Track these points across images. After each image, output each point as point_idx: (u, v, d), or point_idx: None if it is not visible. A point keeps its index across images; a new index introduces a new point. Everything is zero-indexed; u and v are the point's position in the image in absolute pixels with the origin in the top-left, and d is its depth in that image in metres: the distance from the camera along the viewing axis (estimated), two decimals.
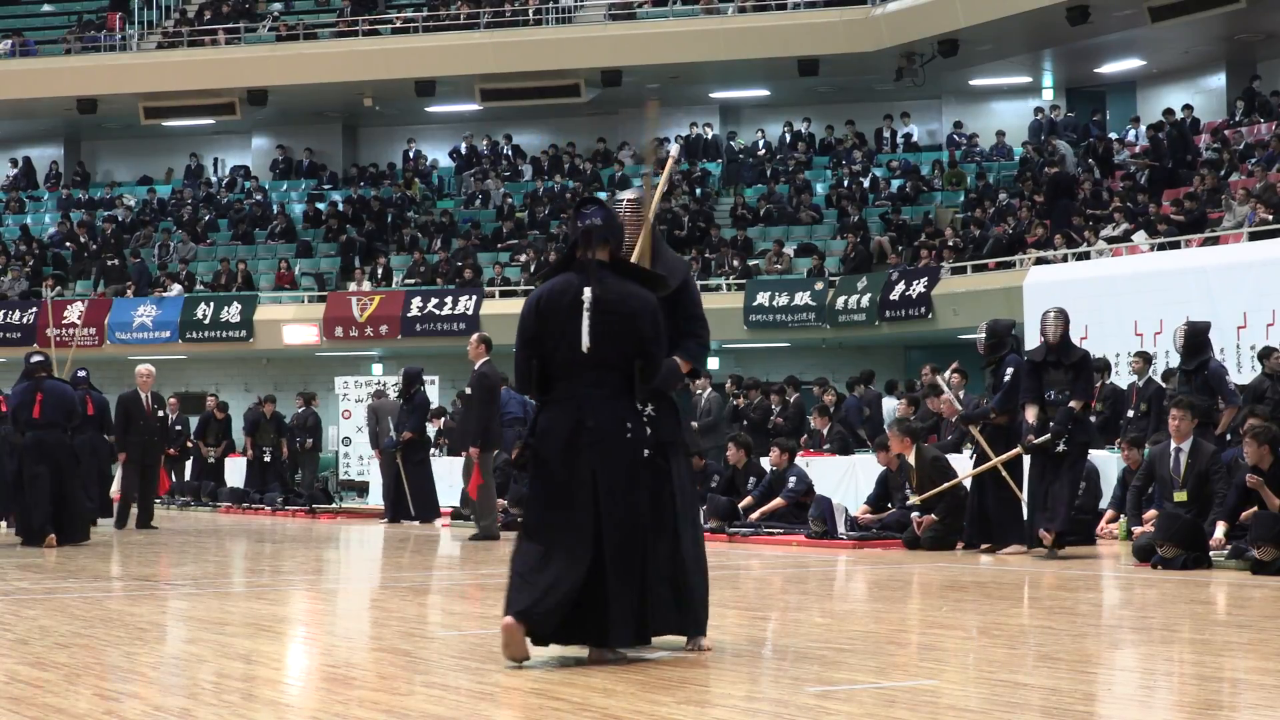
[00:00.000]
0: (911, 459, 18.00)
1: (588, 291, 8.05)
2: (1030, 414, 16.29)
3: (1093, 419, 17.70)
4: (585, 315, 8.02)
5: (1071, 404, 16.06)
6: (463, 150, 40.06)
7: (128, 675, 8.09)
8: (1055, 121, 36.76)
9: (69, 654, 8.66)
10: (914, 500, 17.79)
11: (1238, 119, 33.58)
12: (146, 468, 22.48)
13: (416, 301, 33.99)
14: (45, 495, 17.98)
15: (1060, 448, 16.11)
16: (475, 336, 20.39)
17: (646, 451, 8.21)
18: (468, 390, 20.29)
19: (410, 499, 23.49)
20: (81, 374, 20.53)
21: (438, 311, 33.75)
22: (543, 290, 8.35)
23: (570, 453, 8.04)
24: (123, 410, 22.16)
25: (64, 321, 33.99)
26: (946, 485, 17.48)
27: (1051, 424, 16.03)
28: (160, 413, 23.16)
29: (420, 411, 24.65)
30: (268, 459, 27.45)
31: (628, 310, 8.10)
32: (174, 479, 26.62)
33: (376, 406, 25.86)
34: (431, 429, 25.59)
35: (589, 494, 7.93)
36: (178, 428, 26.50)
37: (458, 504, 22.86)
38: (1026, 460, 16.78)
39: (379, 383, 26.89)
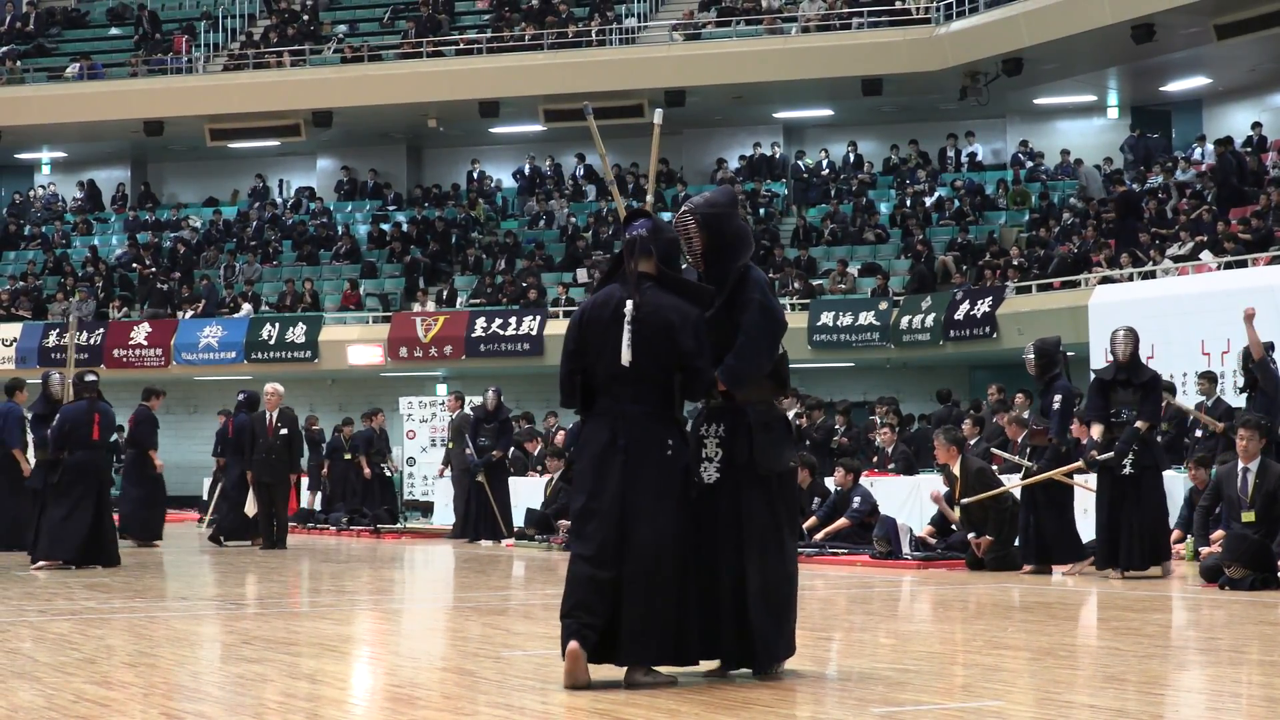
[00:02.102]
0: (957, 470, 18.00)
1: (629, 304, 7.99)
2: (1096, 431, 16.22)
3: (1159, 439, 17.39)
4: (626, 328, 7.96)
5: (1138, 424, 15.91)
6: (526, 171, 40.15)
7: (194, 695, 8.14)
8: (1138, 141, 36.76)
9: (136, 673, 8.75)
10: (956, 512, 17.85)
11: None
12: (271, 486, 22.51)
13: (481, 322, 34.13)
14: (85, 523, 17.85)
15: (1126, 469, 16.00)
16: None
17: (709, 472, 8.13)
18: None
19: (498, 517, 23.79)
20: (91, 378, 19.59)
21: (502, 332, 33.86)
22: (587, 303, 8.38)
23: (602, 468, 8.02)
24: (248, 431, 22.58)
25: (129, 342, 34.70)
26: (988, 495, 17.31)
27: (1117, 443, 15.91)
28: (284, 431, 23.01)
29: (509, 432, 25.13)
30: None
31: (667, 323, 8.01)
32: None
33: (459, 423, 25.82)
34: None
35: (616, 511, 7.89)
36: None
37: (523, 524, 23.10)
38: (1092, 479, 16.71)
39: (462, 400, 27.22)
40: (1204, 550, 16.33)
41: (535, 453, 26.24)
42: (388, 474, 28.17)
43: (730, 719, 7.54)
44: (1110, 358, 17.19)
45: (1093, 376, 17.56)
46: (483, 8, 39.73)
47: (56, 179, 42.94)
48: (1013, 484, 17.59)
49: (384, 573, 18.39)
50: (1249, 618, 11.97)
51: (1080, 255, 31.19)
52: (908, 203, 36.30)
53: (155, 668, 9.08)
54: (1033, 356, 17.58)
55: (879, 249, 35.18)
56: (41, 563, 17.67)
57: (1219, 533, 15.94)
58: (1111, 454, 15.96)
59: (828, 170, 38.46)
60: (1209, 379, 20.25)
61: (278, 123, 37.72)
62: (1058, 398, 16.98)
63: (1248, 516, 14.81)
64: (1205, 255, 28.07)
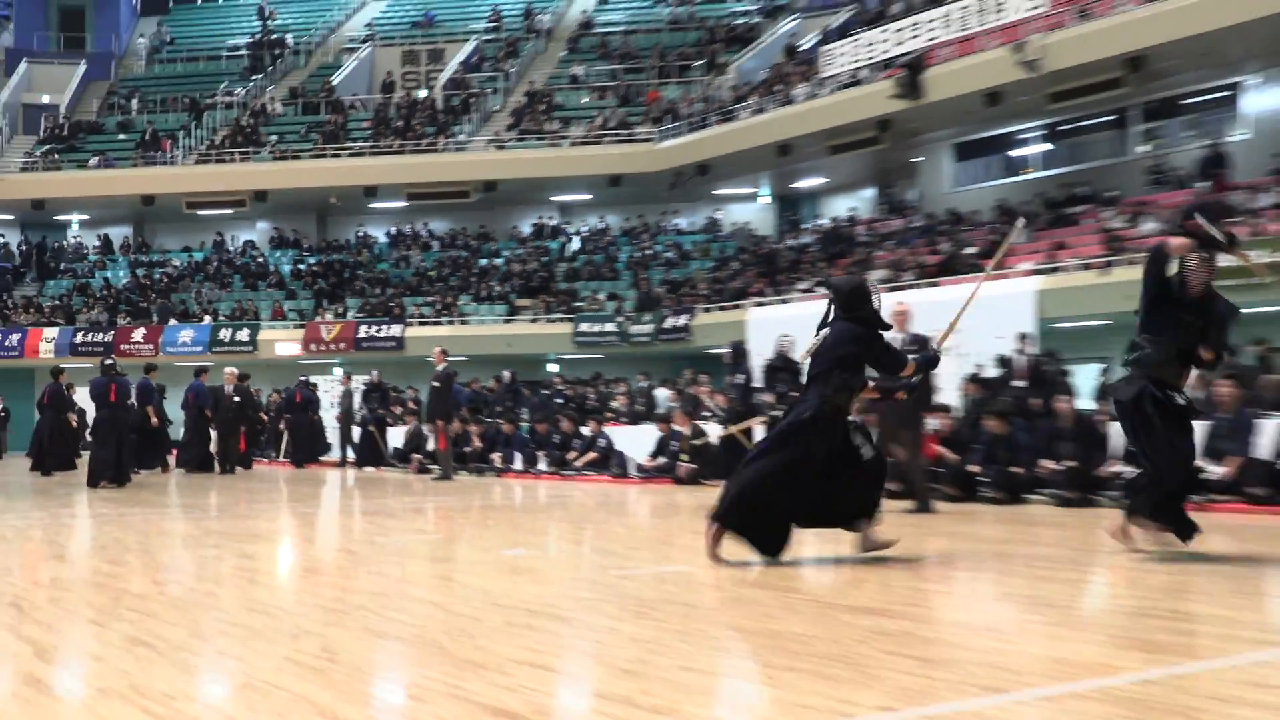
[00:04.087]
0: (686, 430, 18.33)
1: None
2: (769, 398, 16.58)
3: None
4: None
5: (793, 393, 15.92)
6: (394, 232, 40.79)
7: (173, 569, 7.95)
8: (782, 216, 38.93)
9: (134, 555, 8.63)
10: (684, 456, 17.90)
11: (881, 217, 34.85)
12: (227, 435, 22.85)
13: (364, 328, 34.98)
14: (111, 454, 18.14)
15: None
16: (438, 349, 20.47)
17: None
18: (435, 384, 19.93)
19: (382, 452, 24.65)
20: (109, 362, 19.66)
21: (377, 334, 34.77)
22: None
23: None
24: (213, 397, 22.86)
25: (130, 339, 35.39)
26: (701, 442, 17.77)
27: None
28: (237, 398, 23.27)
29: (386, 398, 26.02)
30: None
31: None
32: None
33: (350, 392, 26.12)
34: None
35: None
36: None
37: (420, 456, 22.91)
38: (759, 432, 16.39)
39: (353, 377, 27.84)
40: None
41: (399, 412, 26.50)
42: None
43: (513, 579, 7.73)
44: (775, 352, 17.18)
45: (763, 363, 17.54)
46: (367, 127, 40.05)
47: (82, 233, 42.70)
48: (715, 436, 17.51)
49: (301, 489, 17.77)
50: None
51: (743, 288, 32.40)
52: (636, 254, 37.53)
53: (147, 552, 8.89)
54: (729, 351, 18.48)
55: (618, 284, 36.12)
56: (100, 484, 17.70)
57: None
58: (780, 413, 15.58)
59: (587, 234, 39.39)
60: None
61: (230, 198, 37.92)
62: (741, 376, 17.54)
63: None
64: (819, 290, 30.17)
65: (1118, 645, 4.91)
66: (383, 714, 4.00)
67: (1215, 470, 12.02)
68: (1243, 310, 7.52)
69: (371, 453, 25.17)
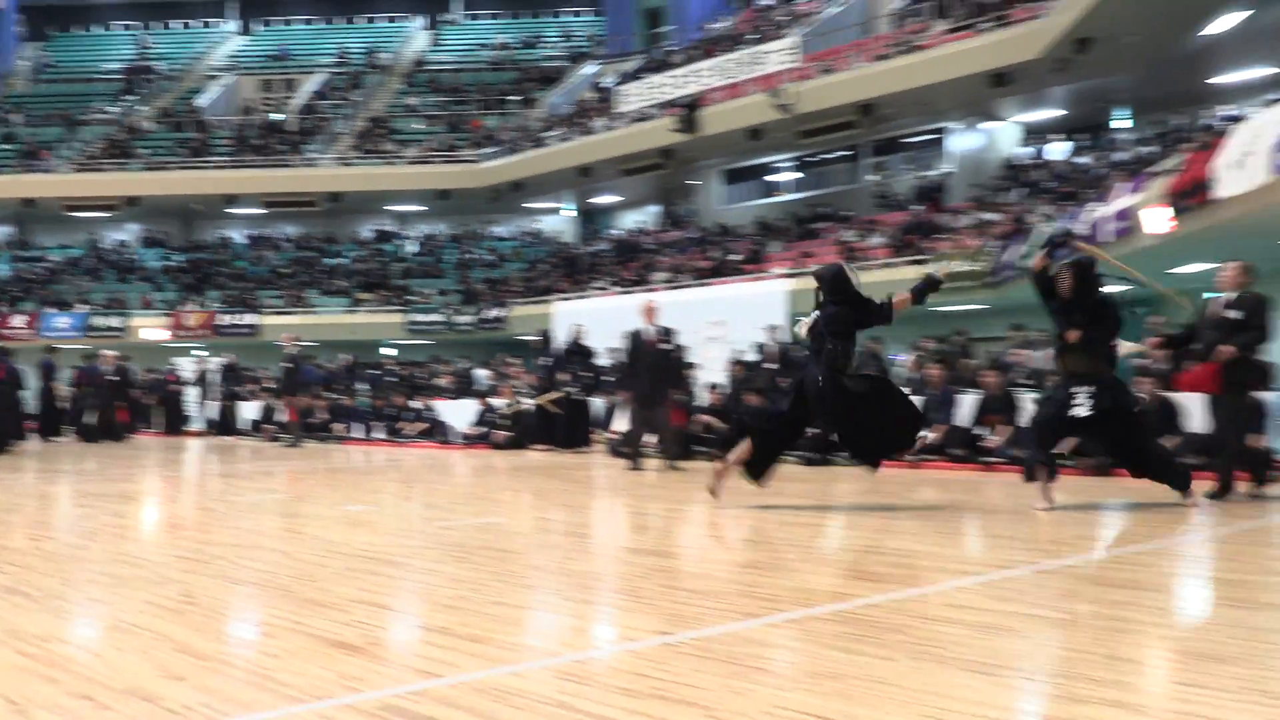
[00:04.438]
0: (508, 401, 18.17)
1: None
2: (565, 376, 16.38)
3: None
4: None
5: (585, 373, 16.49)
6: (251, 234, 39.50)
7: (52, 526, 7.59)
8: (585, 227, 39.11)
9: (16, 514, 8.09)
10: (505, 420, 17.77)
11: (664, 229, 35.43)
12: (106, 408, 22.00)
13: (223, 317, 33.95)
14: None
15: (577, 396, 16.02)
16: (287, 335, 19.95)
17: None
18: (286, 365, 19.45)
19: (229, 424, 23.89)
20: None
21: (236, 323, 33.78)
22: None
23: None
24: (89, 374, 22.13)
25: (9, 324, 33.58)
26: (520, 408, 17.57)
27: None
28: (116, 377, 22.42)
29: (242, 378, 25.40)
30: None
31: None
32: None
33: (207, 369, 25.61)
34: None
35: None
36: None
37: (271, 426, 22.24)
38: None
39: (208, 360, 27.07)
40: None
41: (253, 389, 25.39)
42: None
43: (353, 530, 7.84)
44: (569, 339, 17.15)
45: (561, 348, 17.57)
46: (228, 144, 38.70)
47: None
48: (530, 403, 17.37)
49: (168, 455, 16.93)
50: None
51: (550, 286, 32.59)
52: (461, 257, 37.20)
53: (23, 511, 8.43)
54: (539, 338, 18.55)
55: (445, 281, 35.73)
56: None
57: None
58: (574, 388, 16.06)
59: (420, 239, 38.85)
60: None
61: (105, 203, 36.39)
62: (549, 359, 17.17)
63: None
64: (612, 289, 30.56)
65: (849, 576, 5.03)
66: (235, 648, 3.84)
67: (926, 435, 12.48)
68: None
69: (227, 424, 24.43)
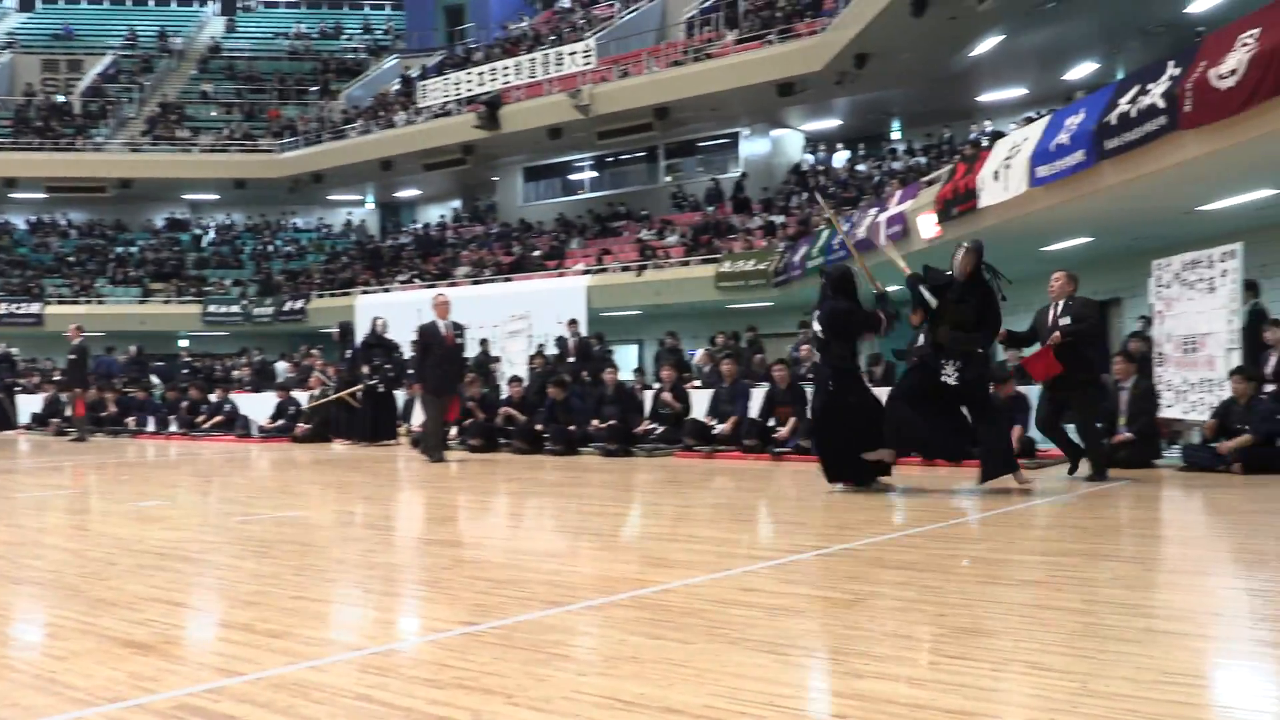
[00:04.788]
0: (316, 392, 17.68)
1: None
2: (367, 369, 15.85)
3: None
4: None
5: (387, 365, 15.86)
6: (34, 220, 37.20)
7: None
8: (383, 220, 38.48)
9: None
10: (307, 410, 17.05)
11: (465, 221, 35.40)
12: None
13: (3, 306, 31.95)
14: None
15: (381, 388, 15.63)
16: (73, 325, 19.15)
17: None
18: (71, 356, 18.61)
19: (5, 418, 22.32)
20: None
21: (16, 312, 31.86)
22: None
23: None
24: None
25: None
26: (323, 401, 17.05)
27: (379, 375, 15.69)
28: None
29: (13, 369, 23.96)
30: None
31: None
32: None
33: None
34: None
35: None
36: None
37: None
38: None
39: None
40: None
41: (36, 381, 24.65)
42: None
43: (145, 526, 7.50)
44: (369, 332, 16.42)
45: (361, 340, 16.89)
46: (7, 126, 36.11)
47: None
48: (337, 395, 16.82)
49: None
50: None
51: (352, 278, 32.08)
52: (259, 247, 36.41)
53: None
54: (338, 330, 17.98)
55: (243, 272, 34.77)
56: None
57: None
58: (375, 381, 15.70)
59: (216, 227, 37.57)
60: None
61: None
62: (350, 351, 17.08)
63: None
64: (414, 283, 30.18)
65: (646, 563, 5.06)
66: (17, 651, 3.61)
67: (720, 427, 12.75)
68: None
69: (5, 418, 22.85)
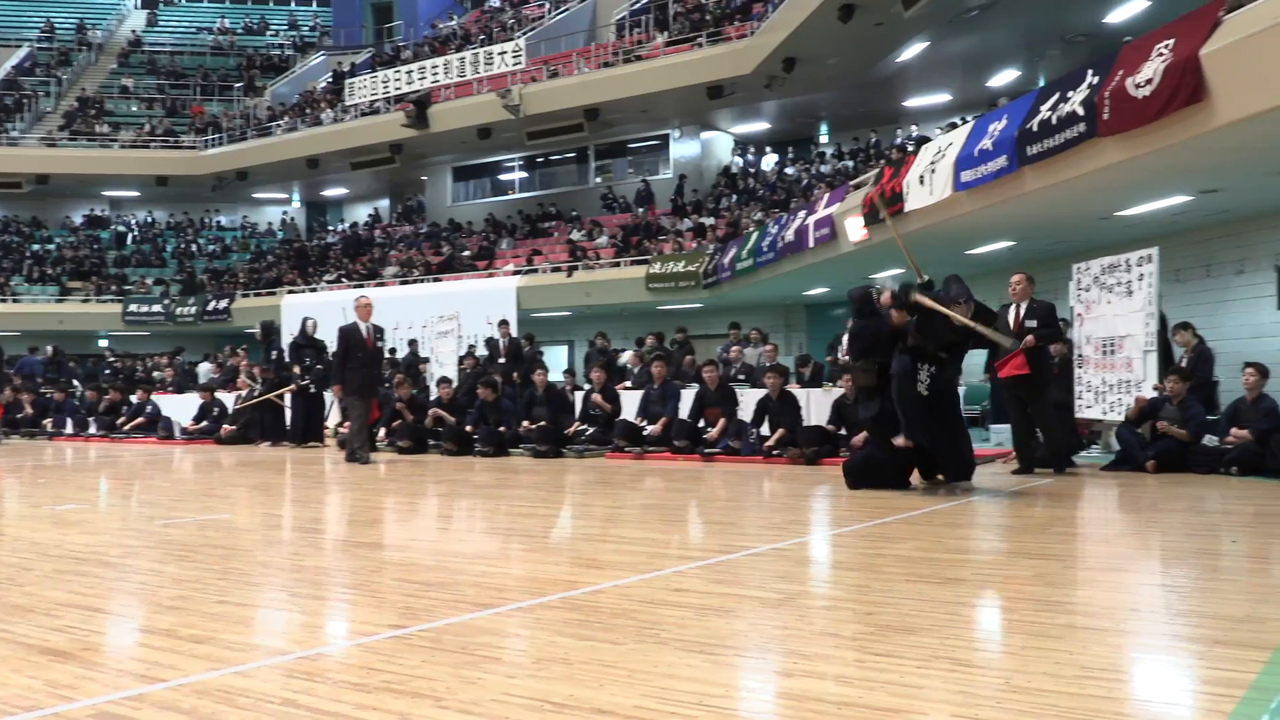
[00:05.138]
0: (243, 394, 17.49)
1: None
2: (298, 369, 15.86)
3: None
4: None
5: (318, 365, 15.70)
6: None
7: None
8: (310, 215, 37.96)
9: None
10: (234, 411, 17.06)
11: (395, 221, 35.56)
12: None
13: None
14: None
15: (313, 389, 15.62)
16: None
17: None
18: None
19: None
20: None
21: None
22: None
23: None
24: None
25: None
26: (248, 402, 16.88)
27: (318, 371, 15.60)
28: None
29: None
30: None
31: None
32: None
33: None
34: None
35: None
36: None
37: None
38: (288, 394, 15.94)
39: None
40: None
41: None
42: None
43: (62, 530, 7.71)
44: (298, 331, 16.58)
45: (290, 340, 17.04)
46: None
47: None
48: (250, 401, 16.79)
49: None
50: None
51: (278, 278, 32.09)
52: (182, 245, 35.98)
53: None
54: (258, 331, 17.87)
55: (165, 270, 34.20)
56: None
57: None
58: (307, 381, 15.67)
59: (137, 225, 36.82)
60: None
61: None
62: (278, 351, 17.01)
63: None
64: (339, 283, 29.88)
65: (577, 564, 5.05)
66: None
67: (650, 428, 12.80)
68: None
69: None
